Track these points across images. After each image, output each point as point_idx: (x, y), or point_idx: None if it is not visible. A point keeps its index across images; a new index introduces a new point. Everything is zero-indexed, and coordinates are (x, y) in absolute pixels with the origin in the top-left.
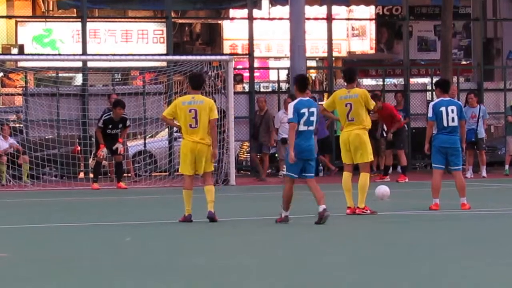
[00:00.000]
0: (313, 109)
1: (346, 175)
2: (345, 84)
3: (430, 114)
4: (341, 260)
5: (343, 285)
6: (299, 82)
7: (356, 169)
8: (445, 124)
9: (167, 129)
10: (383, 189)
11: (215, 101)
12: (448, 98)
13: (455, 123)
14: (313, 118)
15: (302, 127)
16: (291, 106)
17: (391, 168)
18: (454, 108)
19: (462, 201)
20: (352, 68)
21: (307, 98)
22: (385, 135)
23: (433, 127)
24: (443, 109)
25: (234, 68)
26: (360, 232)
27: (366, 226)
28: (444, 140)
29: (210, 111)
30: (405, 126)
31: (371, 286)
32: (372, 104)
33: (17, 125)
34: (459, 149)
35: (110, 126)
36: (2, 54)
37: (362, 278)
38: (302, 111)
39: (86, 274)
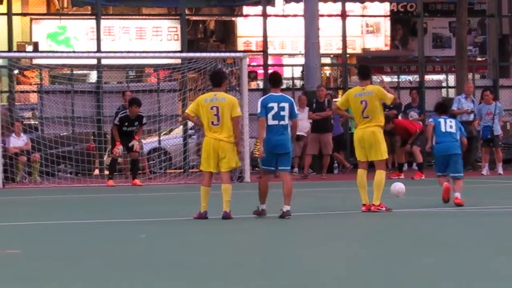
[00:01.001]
0: (284, 104)
1: (361, 172)
2: (359, 81)
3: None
4: (355, 258)
5: (357, 283)
6: (272, 78)
7: (371, 166)
8: (442, 129)
9: (181, 126)
10: (398, 186)
11: None
12: (446, 116)
13: (453, 130)
14: (284, 113)
15: (271, 121)
16: (259, 101)
17: (406, 165)
18: (453, 122)
19: (455, 195)
20: (366, 65)
21: (280, 93)
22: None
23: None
24: (441, 120)
25: (248, 65)
26: (375, 229)
27: (381, 223)
28: (444, 148)
29: (233, 108)
30: (421, 123)
31: (384, 284)
32: (389, 98)
33: (33, 122)
34: (459, 155)
35: (126, 124)
36: (17, 51)
37: (375, 275)
38: (270, 105)
39: (100, 271)
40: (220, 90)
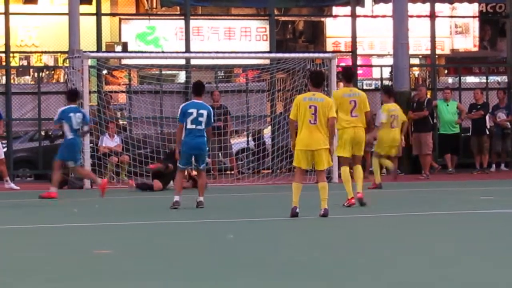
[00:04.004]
0: (203, 111)
1: (347, 169)
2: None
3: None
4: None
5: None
6: (194, 87)
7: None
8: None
9: (269, 127)
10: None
11: None
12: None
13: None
14: (202, 119)
15: (189, 125)
16: (180, 108)
17: (494, 166)
18: None
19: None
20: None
21: (201, 101)
22: (488, 132)
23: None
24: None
25: (337, 66)
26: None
27: (476, 224)
28: None
29: (330, 109)
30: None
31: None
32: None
33: (121, 122)
34: None
35: None
36: (106, 51)
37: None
38: (190, 111)
39: (186, 270)
40: (318, 90)
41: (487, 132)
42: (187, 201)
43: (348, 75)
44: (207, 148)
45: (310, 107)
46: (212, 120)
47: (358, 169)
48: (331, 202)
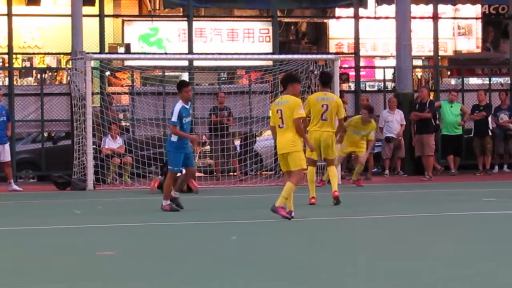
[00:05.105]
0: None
1: (313, 170)
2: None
3: None
4: (447, 255)
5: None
6: (177, 87)
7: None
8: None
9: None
10: None
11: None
12: None
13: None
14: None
15: None
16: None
17: (496, 167)
18: None
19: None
20: (328, 72)
21: (179, 100)
22: (490, 133)
23: None
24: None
25: (340, 67)
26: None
27: (473, 226)
28: None
29: (293, 110)
30: None
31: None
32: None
33: (124, 124)
34: None
35: None
36: (109, 53)
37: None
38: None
39: (188, 270)
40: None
41: (490, 134)
42: (187, 202)
43: (324, 79)
44: (169, 148)
45: (277, 111)
46: (172, 117)
47: (332, 169)
48: (330, 202)
